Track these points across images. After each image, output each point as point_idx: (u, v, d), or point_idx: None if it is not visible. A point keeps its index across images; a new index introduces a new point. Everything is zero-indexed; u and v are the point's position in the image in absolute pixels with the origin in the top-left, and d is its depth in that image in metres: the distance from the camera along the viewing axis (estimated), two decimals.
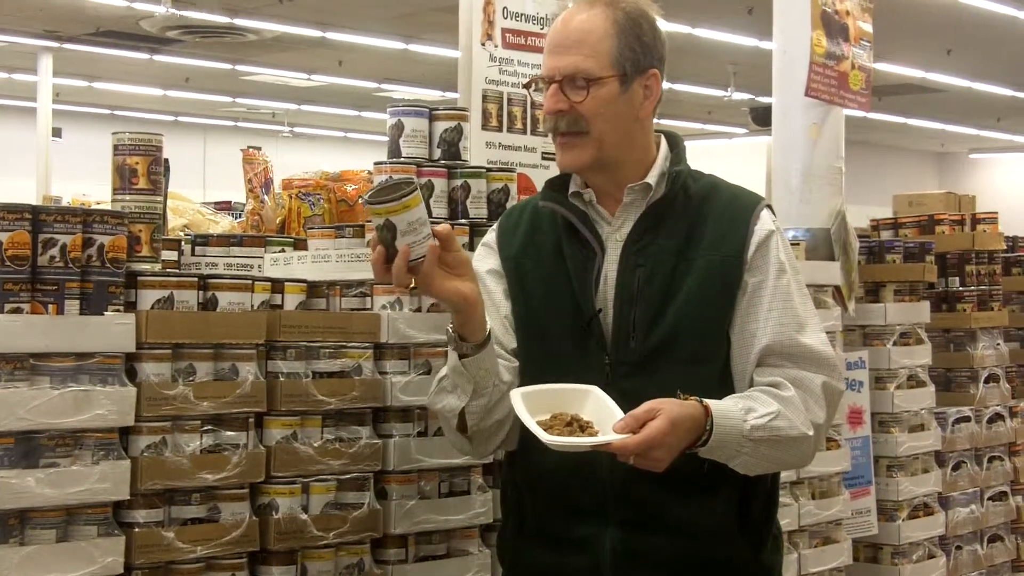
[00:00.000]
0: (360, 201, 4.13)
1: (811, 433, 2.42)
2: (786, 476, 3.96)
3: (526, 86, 2.69)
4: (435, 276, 2.33)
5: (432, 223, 2.34)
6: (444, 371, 2.49)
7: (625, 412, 2.26)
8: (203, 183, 18.44)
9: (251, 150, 4.96)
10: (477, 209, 3.38)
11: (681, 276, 2.46)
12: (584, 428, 2.28)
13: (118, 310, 2.56)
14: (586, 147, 2.48)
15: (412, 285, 2.36)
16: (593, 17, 2.47)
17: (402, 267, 2.30)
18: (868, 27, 5.14)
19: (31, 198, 13.53)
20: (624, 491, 2.42)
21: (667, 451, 2.25)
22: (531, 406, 2.29)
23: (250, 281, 2.82)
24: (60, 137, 18.10)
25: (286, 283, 2.95)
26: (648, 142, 2.56)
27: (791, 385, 2.43)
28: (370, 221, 3.24)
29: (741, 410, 2.35)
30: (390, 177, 3.25)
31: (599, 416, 2.29)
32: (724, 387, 2.45)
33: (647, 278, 2.46)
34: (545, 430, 2.24)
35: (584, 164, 2.50)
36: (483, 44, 4.19)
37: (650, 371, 2.43)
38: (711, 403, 2.33)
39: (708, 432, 2.31)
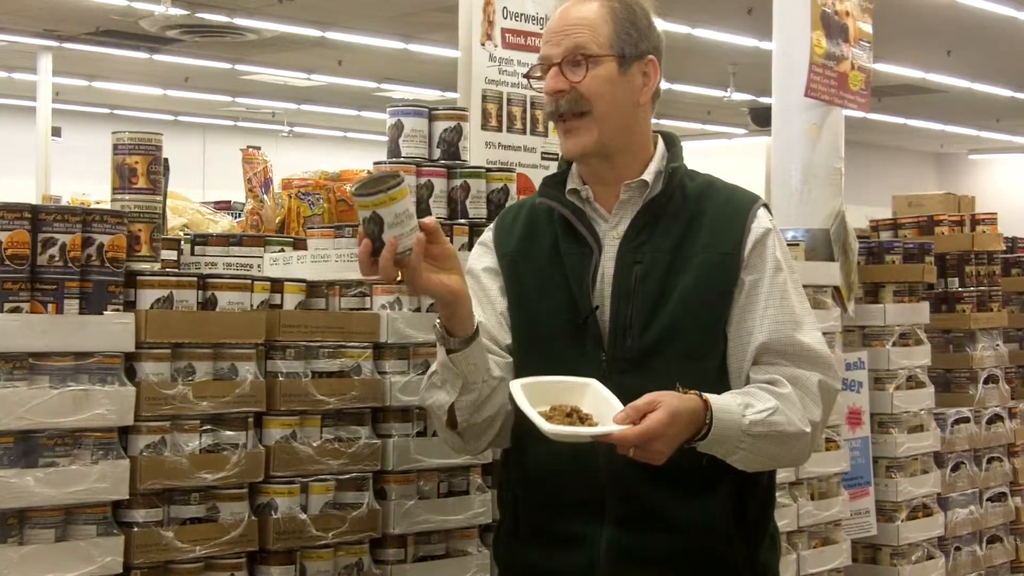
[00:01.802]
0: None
1: (808, 430, 2.42)
2: (785, 477, 3.96)
3: (526, 75, 2.69)
4: (421, 269, 2.33)
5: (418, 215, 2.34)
6: (434, 366, 2.49)
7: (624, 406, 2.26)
8: (203, 183, 18.44)
9: (251, 150, 4.96)
10: (476, 209, 3.39)
11: (677, 274, 2.46)
12: (584, 420, 2.28)
13: (117, 309, 2.55)
14: (590, 130, 2.49)
15: (399, 279, 2.35)
16: (589, 8, 2.51)
17: (389, 260, 2.29)
18: (868, 28, 5.14)
19: (30, 197, 13.53)
20: (620, 488, 2.42)
21: (667, 443, 2.25)
22: (531, 397, 2.29)
23: (249, 281, 2.82)
24: (60, 136, 18.10)
25: (285, 283, 2.95)
26: (647, 134, 2.58)
27: (788, 383, 2.43)
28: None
29: (740, 405, 2.36)
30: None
31: (598, 408, 2.30)
32: (720, 385, 2.45)
33: (644, 275, 2.47)
34: (545, 421, 2.25)
35: (589, 148, 2.50)
36: (483, 44, 4.19)
37: (646, 368, 2.43)
38: (710, 397, 2.33)
39: (707, 426, 2.31)
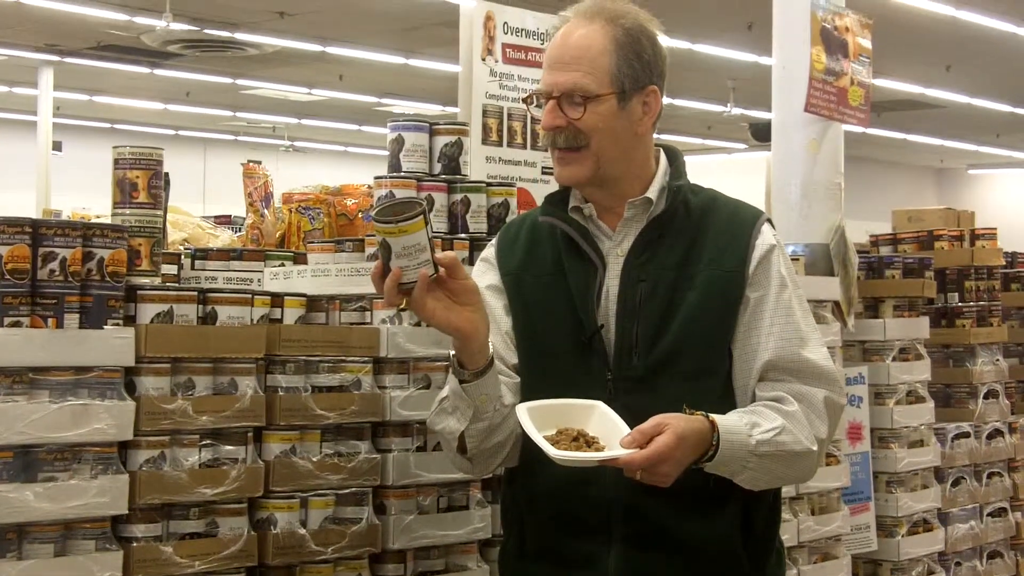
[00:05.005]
0: (360, 216, 4.14)
1: (815, 448, 2.42)
2: (785, 492, 3.95)
3: (525, 100, 2.67)
4: (426, 304, 2.31)
5: (436, 250, 2.32)
6: (445, 392, 2.48)
7: (629, 427, 2.26)
8: (203, 197, 18.46)
9: (251, 164, 4.96)
10: (477, 224, 3.39)
11: (683, 291, 2.46)
12: (591, 443, 2.27)
13: (117, 324, 2.55)
14: (584, 162, 2.47)
15: (403, 307, 2.35)
16: (592, 33, 2.46)
17: (392, 288, 2.29)
18: (867, 43, 5.15)
19: (31, 212, 13.54)
20: (628, 508, 2.41)
21: (674, 466, 2.25)
22: (537, 421, 2.28)
23: (250, 295, 2.82)
24: (60, 151, 18.12)
25: (286, 297, 2.95)
26: (647, 157, 2.56)
27: (794, 400, 2.43)
28: (371, 235, 3.25)
29: (746, 425, 2.35)
30: (391, 194, 3.26)
31: (605, 431, 2.29)
32: (725, 402, 2.44)
33: (649, 293, 2.46)
34: (552, 445, 2.24)
35: (582, 179, 2.49)
36: (483, 59, 4.20)
37: (652, 386, 2.42)
38: (717, 418, 2.33)
39: (714, 447, 2.30)
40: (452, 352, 2.41)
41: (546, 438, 2.25)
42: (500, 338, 2.53)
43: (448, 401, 2.45)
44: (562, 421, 2.32)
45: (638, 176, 2.53)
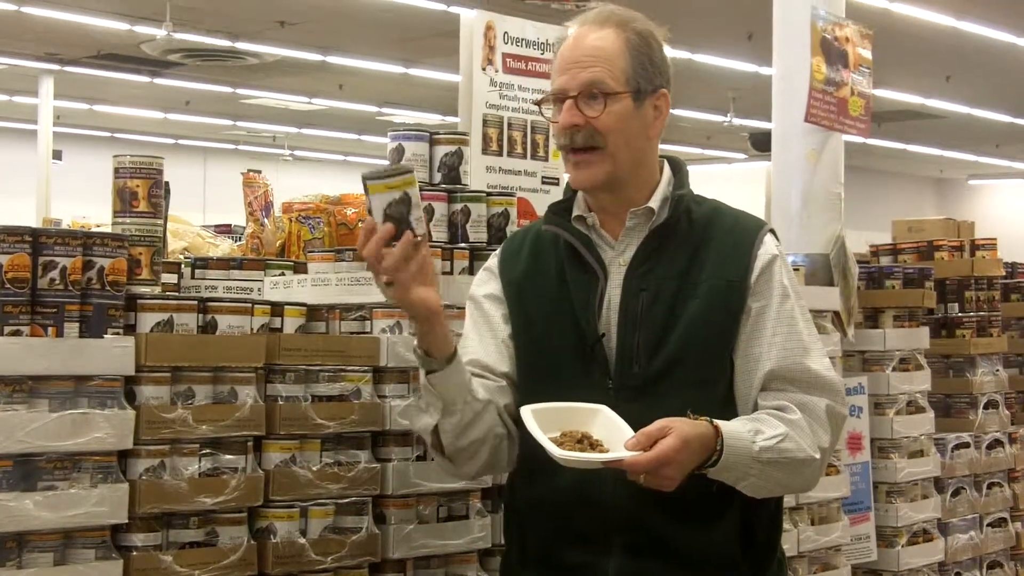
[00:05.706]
0: (360, 225, 4.13)
1: (818, 456, 2.42)
2: (786, 501, 3.92)
3: (537, 103, 2.67)
4: (414, 271, 2.31)
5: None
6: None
7: (633, 432, 2.26)
8: (203, 206, 18.46)
9: (251, 173, 4.96)
10: (477, 233, 3.39)
11: (684, 301, 2.46)
12: (595, 446, 2.27)
13: (118, 333, 2.56)
14: (601, 164, 2.48)
15: (388, 281, 2.32)
16: (606, 36, 2.49)
17: (412, 242, 2.28)
18: (867, 53, 5.15)
19: (31, 220, 13.55)
20: (628, 516, 2.41)
21: (678, 469, 2.25)
22: (541, 423, 2.28)
23: (250, 304, 2.83)
24: (60, 159, 18.15)
25: (286, 306, 2.95)
26: (654, 164, 2.57)
27: (796, 409, 2.43)
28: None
29: (750, 431, 2.35)
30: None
31: (609, 435, 2.29)
32: (727, 411, 2.44)
33: (650, 302, 2.46)
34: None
35: (599, 182, 2.50)
36: (484, 69, 4.21)
37: (653, 395, 2.42)
38: (720, 423, 2.33)
39: (718, 452, 2.30)
40: (416, 345, 2.41)
41: (550, 440, 2.25)
42: (495, 346, 2.54)
43: (422, 399, 2.46)
44: (566, 424, 2.32)
45: (645, 183, 2.54)
